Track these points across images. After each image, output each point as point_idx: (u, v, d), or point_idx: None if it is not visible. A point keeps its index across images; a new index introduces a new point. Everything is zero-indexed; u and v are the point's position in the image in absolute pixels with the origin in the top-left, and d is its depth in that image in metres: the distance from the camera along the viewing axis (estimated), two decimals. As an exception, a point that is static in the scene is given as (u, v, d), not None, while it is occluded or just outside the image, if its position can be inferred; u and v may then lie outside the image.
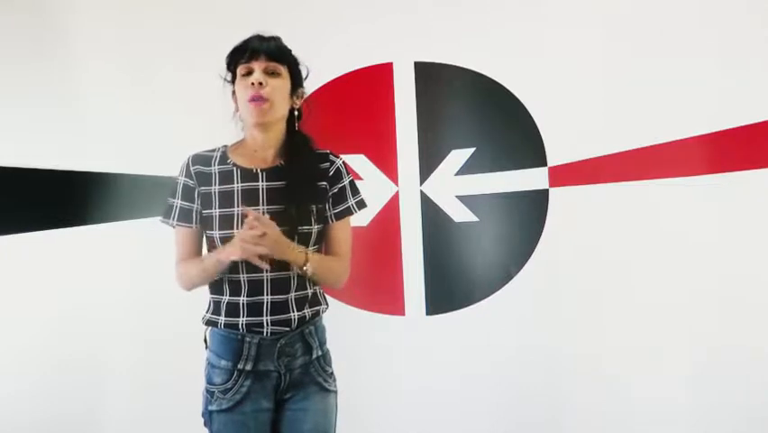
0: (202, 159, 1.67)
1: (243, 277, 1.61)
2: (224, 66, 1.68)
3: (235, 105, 1.68)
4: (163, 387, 2.49)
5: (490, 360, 2.48)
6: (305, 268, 1.61)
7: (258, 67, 1.61)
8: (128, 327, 2.53)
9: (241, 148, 1.69)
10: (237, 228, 1.59)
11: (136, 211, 2.48)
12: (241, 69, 1.63)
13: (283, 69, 1.64)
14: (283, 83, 1.64)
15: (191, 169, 1.66)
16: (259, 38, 1.64)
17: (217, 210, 1.62)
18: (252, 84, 1.60)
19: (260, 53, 1.61)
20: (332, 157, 1.71)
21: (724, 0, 2.34)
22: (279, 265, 1.60)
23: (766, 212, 2.31)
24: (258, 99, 1.59)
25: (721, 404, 2.30)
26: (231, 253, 1.55)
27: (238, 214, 1.60)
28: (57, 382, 2.51)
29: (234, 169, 1.65)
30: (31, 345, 2.51)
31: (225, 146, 1.70)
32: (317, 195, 1.67)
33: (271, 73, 1.62)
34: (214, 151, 1.69)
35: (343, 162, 1.72)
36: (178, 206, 1.66)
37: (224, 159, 1.67)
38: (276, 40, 1.66)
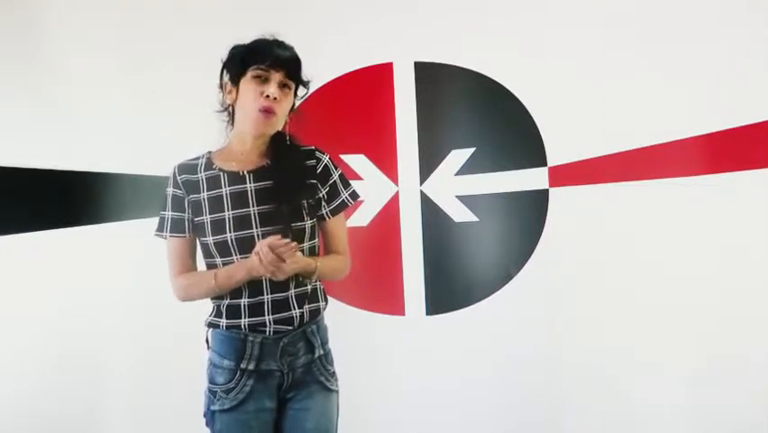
0: (187, 167, 1.68)
1: None
2: (230, 57, 1.66)
3: (231, 97, 1.65)
4: (163, 387, 2.48)
5: (490, 360, 2.48)
6: (313, 278, 1.65)
7: (275, 79, 1.60)
8: (128, 326, 2.53)
9: (225, 153, 1.69)
10: (229, 232, 1.60)
11: (136, 211, 2.48)
12: (254, 72, 1.60)
13: (293, 86, 1.65)
14: (290, 99, 1.65)
15: (178, 178, 1.66)
16: (279, 44, 1.62)
17: (208, 216, 1.63)
18: (268, 96, 1.58)
19: (281, 65, 1.60)
20: (318, 153, 1.70)
21: (724, 1, 2.35)
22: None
23: (766, 212, 2.31)
24: (270, 112, 1.59)
25: (721, 405, 2.30)
26: (255, 270, 1.56)
27: (229, 218, 1.61)
28: (57, 382, 2.51)
29: (221, 174, 1.65)
30: (31, 345, 2.51)
31: (209, 152, 1.70)
32: (306, 191, 1.67)
33: (283, 86, 1.61)
34: (198, 158, 1.69)
35: (330, 157, 1.72)
36: (170, 217, 1.67)
37: (209, 165, 1.67)
38: (293, 51, 1.65)
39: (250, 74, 1.61)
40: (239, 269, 1.59)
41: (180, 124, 2.44)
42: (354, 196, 1.74)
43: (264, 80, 1.60)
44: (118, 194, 2.54)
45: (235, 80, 1.64)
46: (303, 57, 1.68)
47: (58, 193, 2.54)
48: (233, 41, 1.65)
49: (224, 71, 1.67)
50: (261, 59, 1.60)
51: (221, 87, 1.69)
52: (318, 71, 2.43)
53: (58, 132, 2.53)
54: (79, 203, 2.56)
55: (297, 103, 1.71)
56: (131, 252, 2.50)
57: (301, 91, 1.70)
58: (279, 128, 1.65)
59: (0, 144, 2.53)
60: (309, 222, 1.65)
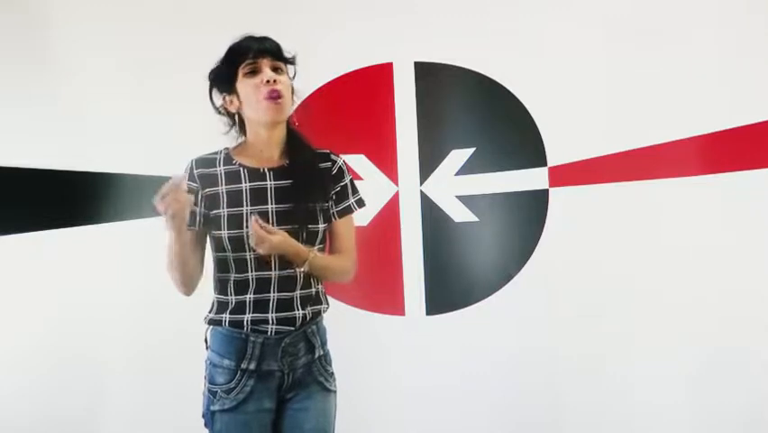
0: (205, 161, 1.67)
1: (252, 275, 1.62)
2: (214, 78, 1.67)
3: (235, 105, 1.66)
4: (163, 387, 2.48)
5: (490, 360, 2.48)
6: (303, 267, 1.61)
7: (265, 65, 1.61)
8: (128, 326, 2.53)
9: (244, 149, 1.69)
10: (246, 228, 1.59)
11: (136, 211, 2.48)
12: (245, 69, 1.61)
13: (284, 67, 1.65)
14: (287, 80, 1.65)
15: (194, 172, 1.66)
16: (255, 38, 1.64)
17: (226, 210, 1.62)
18: (268, 81, 1.59)
19: (266, 52, 1.62)
20: (333, 156, 1.72)
21: (724, 1, 2.35)
22: (287, 263, 1.61)
23: (766, 212, 2.31)
24: (275, 96, 1.59)
25: (722, 405, 2.31)
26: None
27: (247, 213, 1.60)
28: (57, 382, 2.51)
29: (241, 169, 1.65)
30: (31, 345, 2.51)
31: (227, 148, 1.70)
32: (323, 194, 1.68)
33: (275, 70, 1.62)
34: (216, 153, 1.69)
35: (344, 161, 1.73)
36: None
37: (228, 160, 1.67)
38: (269, 38, 1.66)
39: (241, 73, 1.62)
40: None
41: (181, 124, 2.43)
42: (360, 203, 1.74)
43: (256, 71, 1.61)
44: (118, 194, 2.54)
45: (231, 89, 1.65)
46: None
47: (58, 193, 2.54)
48: (233, 41, 1.65)
49: (215, 94, 1.68)
50: (245, 54, 1.61)
51: (217, 111, 1.70)
52: (318, 71, 2.46)
53: (58, 132, 2.53)
54: (79, 203, 2.56)
55: (303, 97, 1.74)
56: (131, 252, 2.50)
57: (292, 73, 1.70)
58: (290, 110, 1.66)
59: (0, 144, 2.53)
60: (322, 225, 1.66)
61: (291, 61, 1.68)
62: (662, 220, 2.38)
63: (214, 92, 1.69)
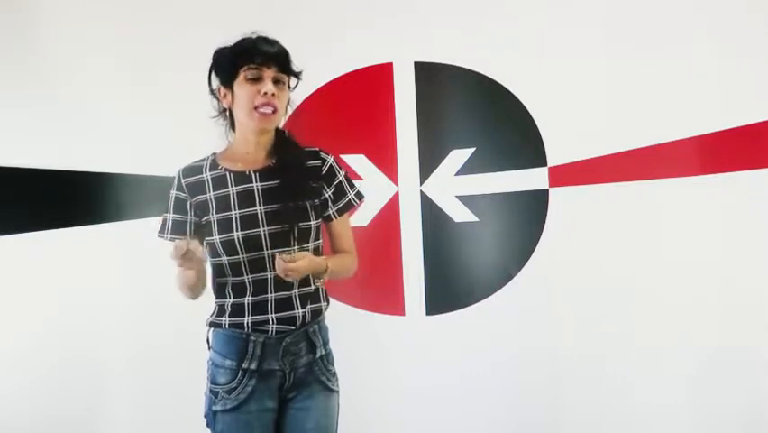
0: (192, 170, 1.68)
1: (248, 278, 1.63)
2: (216, 62, 1.66)
3: (227, 100, 1.65)
4: (163, 387, 2.48)
5: (490, 360, 2.48)
6: (325, 277, 1.64)
7: (268, 76, 1.60)
8: (128, 326, 2.53)
9: (230, 153, 1.69)
10: (236, 231, 1.60)
11: (136, 211, 2.48)
12: (247, 73, 1.60)
13: (286, 80, 1.65)
14: (286, 93, 1.65)
15: (182, 181, 1.67)
16: (265, 41, 1.62)
17: (215, 216, 1.63)
18: (266, 94, 1.58)
19: (272, 61, 1.60)
20: (322, 154, 1.71)
21: (724, 1, 2.35)
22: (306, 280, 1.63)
23: (766, 212, 2.31)
24: (269, 110, 1.59)
25: (722, 405, 2.31)
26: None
27: (236, 217, 1.61)
28: (57, 382, 2.51)
29: (227, 174, 1.65)
30: (31, 345, 2.51)
31: (214, 154, 1.71)
32: (311, 191, 1.67)
33: (276, 82, 1.61)
34: (203, 160, 1.70)
35: (334, 158, 1.72)
36: (171, 219, 1.68)
37: (214, 166, 1.68)
38: (280, 45, 1.64)
39: (242, 75, 1.61)
40: None
41: (181, 124, 2.43)
42: (360, 196, 1.75)
43: (258, 79, 1.60)
44: (118, 194, 2.54)
45: (228, 83, 1.64)
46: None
47: (58, 193, 2.54)
48: (245, 36, 1.64)
49: (213, 76, 1.68)
50: (251, 58, 1.60)
51: (212, 93, 1.69)
52: (318, 71, 2.46)
53: (58, 132, 2.53)
54: (79, 203, 2.56)
55: (301, 100, 1.72)
56: (131, 252, 2.50)
57: (294, 82, 1.69)
58: (280, 122, 1.66)
59: (0, 144, 2.53)
60: (314, 222, 1.66)
61: (297, 75, 1.67)
62: (662, 220, 2.38)
63: (213, 74, 1.68)
